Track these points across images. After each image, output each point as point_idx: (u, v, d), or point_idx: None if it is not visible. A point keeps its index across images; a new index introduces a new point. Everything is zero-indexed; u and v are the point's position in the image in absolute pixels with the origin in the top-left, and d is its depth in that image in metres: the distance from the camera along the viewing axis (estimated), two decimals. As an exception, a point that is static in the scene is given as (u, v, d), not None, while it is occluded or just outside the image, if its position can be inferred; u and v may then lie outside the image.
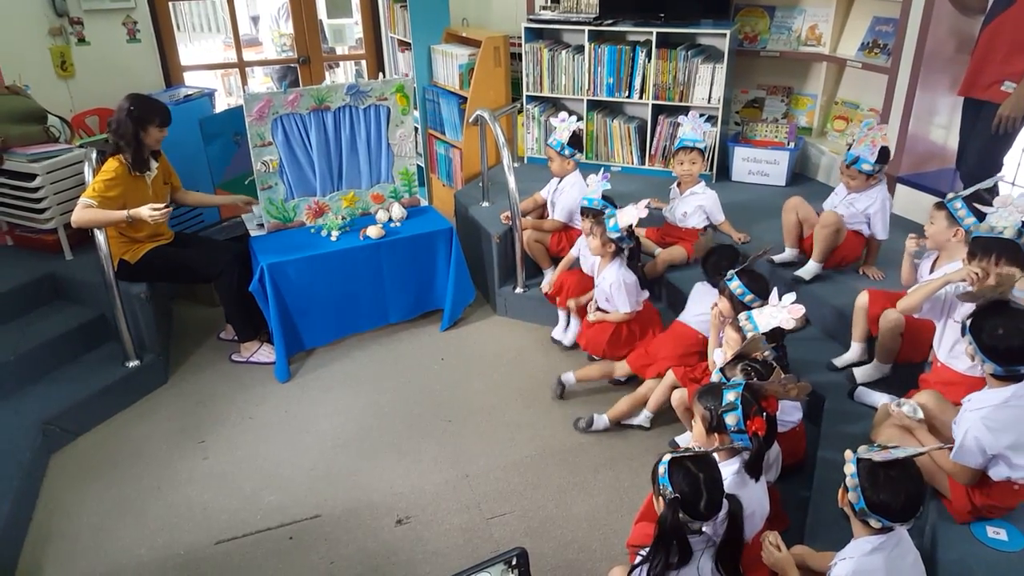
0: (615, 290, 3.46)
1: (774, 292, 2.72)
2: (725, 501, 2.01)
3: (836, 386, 3.06)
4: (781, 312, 2.62)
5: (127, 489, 3.15)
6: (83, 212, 3.45)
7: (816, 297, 3.42)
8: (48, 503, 3.08)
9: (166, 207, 3.50)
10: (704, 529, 2.00)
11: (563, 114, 4.18)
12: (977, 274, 2.47)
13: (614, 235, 3.39)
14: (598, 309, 3.59)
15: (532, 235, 4.17)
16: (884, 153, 3.37)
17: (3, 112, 3.94)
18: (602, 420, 3.37)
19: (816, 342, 3.39)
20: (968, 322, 2.21)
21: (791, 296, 2.65)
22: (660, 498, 1.99)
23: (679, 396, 3.08)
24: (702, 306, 3.32)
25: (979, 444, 2.14)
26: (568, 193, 4.08)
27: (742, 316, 2.72)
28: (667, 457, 2.00)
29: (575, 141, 4.06)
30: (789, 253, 3.67)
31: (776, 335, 2.69)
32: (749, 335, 2.66)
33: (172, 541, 2.89)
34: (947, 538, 2.24)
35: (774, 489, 2.47)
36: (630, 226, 3.38)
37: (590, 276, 3.75)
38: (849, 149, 3.44)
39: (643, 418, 3.36)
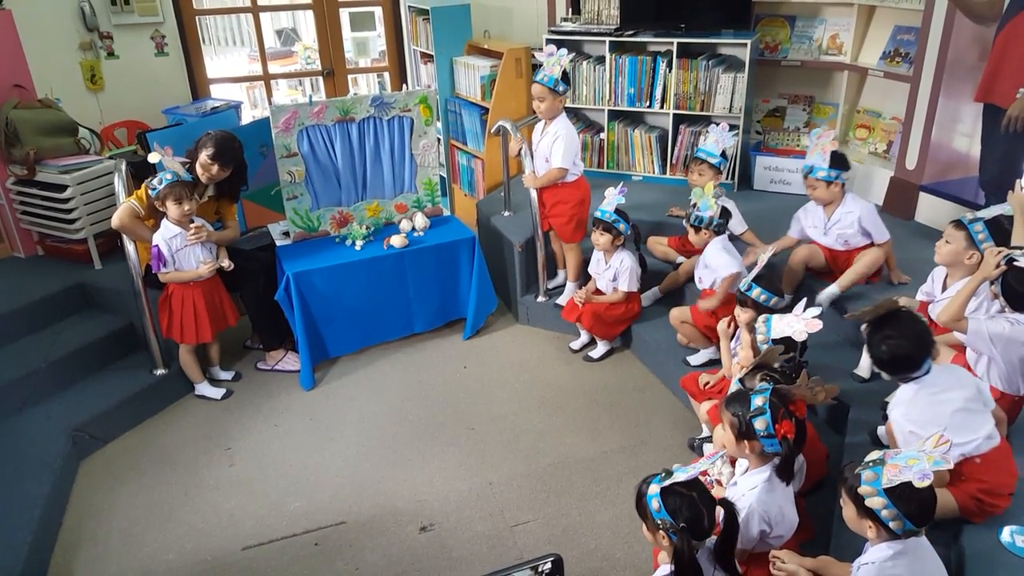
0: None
1: (802, 303, 2.68)
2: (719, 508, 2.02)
3: (861, 395, 3.05)
4: (798, 323, 2.59)
5: (155, 495, 3.19)
6: (125, 217, 3.44)
7: (840, 309, 3.41)
8: (78, 509, 3.13)
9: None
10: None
11: (551, 47, 3.87)
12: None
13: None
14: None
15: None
16: (840, 158, 3.38)
17: (36, 125, 4.02)
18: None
19: (838, 350, 3.37)
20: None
21: (815, 310, 2.60)
22: (660, 531, 1.97)
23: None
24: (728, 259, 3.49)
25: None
26: (563, 138, 3.86)
27: (760, 319, 2.73)
28: (655, 490, 1.96)
29: (565, 78, 3.84)
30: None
31: (788, 346, 2.63)
32: (761, 338, 2.67)
33: (199, 546, 2.92)
34: (973, 547, 2.22)
35: (799, 498, 2.46)
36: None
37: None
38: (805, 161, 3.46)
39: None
